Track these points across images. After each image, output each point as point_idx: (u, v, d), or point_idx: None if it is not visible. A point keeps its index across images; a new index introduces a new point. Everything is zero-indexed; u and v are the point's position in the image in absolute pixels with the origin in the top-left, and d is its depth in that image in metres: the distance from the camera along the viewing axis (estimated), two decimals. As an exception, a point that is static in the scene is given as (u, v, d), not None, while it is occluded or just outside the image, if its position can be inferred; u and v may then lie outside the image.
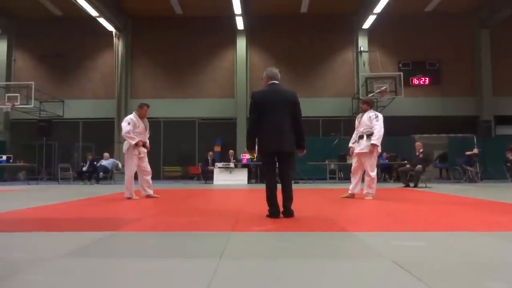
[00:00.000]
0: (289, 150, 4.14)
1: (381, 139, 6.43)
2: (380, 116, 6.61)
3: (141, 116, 6.89)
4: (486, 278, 1.93)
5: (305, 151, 4.34)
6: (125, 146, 6.67)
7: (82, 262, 2.29)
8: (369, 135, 6.47)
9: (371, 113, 6.62)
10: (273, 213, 4.03)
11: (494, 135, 16.93)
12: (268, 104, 4.10)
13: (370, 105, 6.88)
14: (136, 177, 6.77)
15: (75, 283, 1.89)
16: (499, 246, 2.73)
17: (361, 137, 6.65)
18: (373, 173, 6.51)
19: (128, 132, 6.59)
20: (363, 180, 6.80)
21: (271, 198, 4.05)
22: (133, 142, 6.57)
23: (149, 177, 6.90)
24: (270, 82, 4.28)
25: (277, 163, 4.22)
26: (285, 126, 4.08)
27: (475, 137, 15.31)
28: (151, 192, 6.90)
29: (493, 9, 16.70)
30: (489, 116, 17.02)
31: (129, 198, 6.60)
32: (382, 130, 6.45)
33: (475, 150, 13.80)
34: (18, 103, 15.50)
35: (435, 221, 3.93)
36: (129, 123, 6.63)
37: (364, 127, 6.62)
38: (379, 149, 6.56)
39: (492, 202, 5.95)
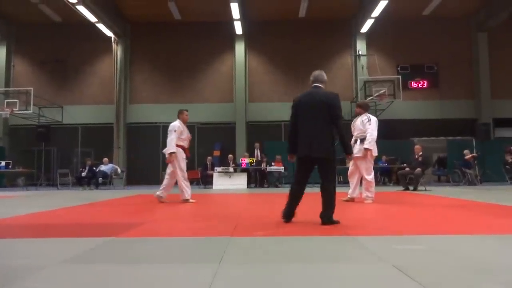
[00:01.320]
0: (320, 155, 3.91)
1: (373, 142, 6.43)
2: (374, 119, 6.61)
3: (184, 122, 7.21)
4: (486, 281, 1.93)
5: (351, 156, 4.21)
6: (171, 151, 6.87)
7: (82, 269, 2.28)
8: (363, 139, 6.49)
9: (364, 117, 6.63)
10: (283, 213, 4.03)
11: (493, 137, 16.97)
12: (302, 108, 4.05)
13: (365, 108, 6.87)
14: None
15: (74, 290, 1.89)
16: (498, 249, 2.73)
17: (355, 141, 6.67)
18: (369, 177, 6.51)
19: (172, 140, 6.85)
20: (361, 183, 6.79)
21: (287, 200, 4.05)
22: (171, 151, 6.78)
23: (173, 182, 7.12)
24: (313, 85, 4.23)
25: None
26: (316, 130, 3.92)
27: (473, 140, 15.35)
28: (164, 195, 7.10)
29: (490, 12, 16.77)
30: (488, 119, 17.07)
31: (186, 200, 6.82)
32: (375, 133, 6.44)
33: (466, 151, 13.80)
34: (17, 109, 15.50)
35: (435, 225, 3.93)
36: (175, 131, 6.91)
37: (358, 131, 6.68)
38: (375, 153, 6.54)
39: (492, 205, 5.95)
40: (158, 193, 7.02)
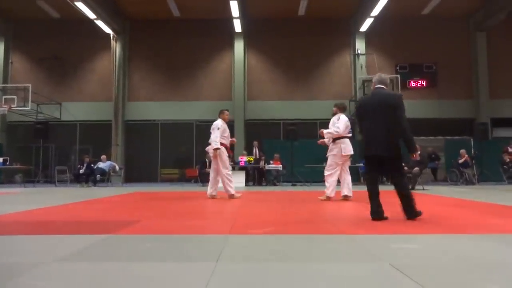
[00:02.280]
0: (387, 154, 4.08)
1: (332, 136, 6.68)
2: (343, 118, 6.72)
3: (225, 121, 7.50)
4: (482, 280, 1.93)
5: (416, 154, 4.28)
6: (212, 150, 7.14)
7: (79, 266, 2.28)
8: (335, 139, 6.70)
9: (335, 117, 6.81)
10: (374, 214, 4.09)
11: (491, 137, 17.00)
12: (366, 109, 4.24)
13: (341, 109, 6.97)
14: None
15: (70, 287, 1.89)
16: (495, 248, 2.74)
17: (329, 140, 6.90)
18: (326, 172, 6.78)
19: (216, 137, 7.09)
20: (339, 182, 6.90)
21: (370, 200, 4.16)
22: (216, 147, 7.02)
23: (219, 178, 7.34)
24: (377, 86, 4.34)
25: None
26: (380, 130, 4.06)
27: (471, 140, 15.37)
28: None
29: (489, 12, 16.78)
30: (486, 119, 17.09)
31: (232, 196, 7.12)
32: (340, 130, 6.58)
33: (462, 151, 13.82)
34: (15, 106, 15.44)
35: (432, 224, 3.93)
36: (218, 128, 7.18)
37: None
38: (344, 152, 6.62)
39: (489, 204, 5.97)
40: (209, 191, 7.26)
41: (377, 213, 4.05)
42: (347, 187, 6.76)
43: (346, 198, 6.70)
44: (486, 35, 17.74)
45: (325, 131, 6.74)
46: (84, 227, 3.83)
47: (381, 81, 4.34)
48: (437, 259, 2.40)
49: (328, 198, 6.63)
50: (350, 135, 6.81)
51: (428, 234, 3.35)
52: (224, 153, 7.18)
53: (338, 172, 6.72)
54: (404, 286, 1.85)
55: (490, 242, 2.96)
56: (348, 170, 6.96)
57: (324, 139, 6.92)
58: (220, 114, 7.60)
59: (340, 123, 6.63)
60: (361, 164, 14.84)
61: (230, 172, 7.26)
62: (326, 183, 6.69)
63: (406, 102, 4.50)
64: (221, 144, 7.12)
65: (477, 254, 2.55)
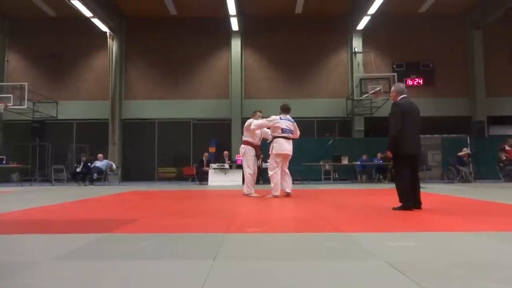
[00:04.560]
0: (419, 153, 5.04)
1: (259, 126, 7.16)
2: (273, 117, 7.12)
3: None
4: (478, 278, 1.94)
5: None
6: (242, 150, 7.45)
7: (75, 265, 2.28)
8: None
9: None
10: (412, 205, 4.69)
11: (487, 135, 17.08)
12: (410, 113, 4.85)
13: (282, 110, 7.35)
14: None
15: (67, 286, 1.89)
16: (491, 246, 2.75)
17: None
18: (270, 172, 6.97)
19: (260, 122, 7.28)
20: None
21: (407, 193, 4.72)
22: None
23: (255, 177, 7.62)
24: (402, 96, 5.02)
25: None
26: (418, 133, 4.91)
27: (468, 138, 15.43)
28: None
29: (485, 10, 16.82)
30: (482, 117, 17.16)
31: (249, 194, 7.30)
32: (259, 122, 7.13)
33: (465, 150, 13.88)
34: (11, 104, 15.36)
35: (428, 222, 3.95)
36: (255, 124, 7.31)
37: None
38: (275, 151, 6.91)
39: (485, 202, 6.00)
40: (245, 190, 7.41)
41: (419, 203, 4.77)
42: (287, 185, 7.07)
43: (288, 195, 6.97)
44: (483, 33, 17.78)
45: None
46: (81, 226, 3.82)
47: (404, 91, 5.07)
48: (433, 256, 2.42)
49: (275, 197, 6.80)
50: (284, 135, 6.98)
51: (424, 232, 3.37)
52: (251, 152, 7.37)
53: (279, 171, 6.94)
54: (400, 283, 1.86)
55: (486, 239, 2.98)
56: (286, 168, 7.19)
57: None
58: (253, 115, 7.57)
59: (270, 120, 7.14)
60: (358, 163, 14.90)
61: (251, 172, 7.39)
62: (271, 183, 6.97)
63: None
64: (248, 142, 7.37)
65: (473, 251, 2.57)
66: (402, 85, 5.18)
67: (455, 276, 1.98)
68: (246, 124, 7.46)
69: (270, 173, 6.97)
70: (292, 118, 7.21)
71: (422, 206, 4.78)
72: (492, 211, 4.90)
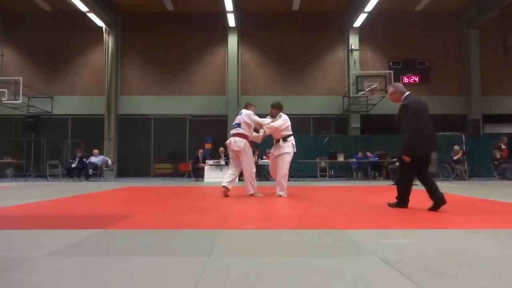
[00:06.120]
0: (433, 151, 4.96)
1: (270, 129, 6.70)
2: (284, 117, 6.83)
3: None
4: (472, 274, 1.96)
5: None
6: (241, 144, 6.53)
7: (70, 261, 2.27)
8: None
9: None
10: (405, 204, 4.74)
11: (482, 133, 17.17)
12: (422, 111, 4.59)
13: (279, 109, 7.03)
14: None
15: (61, 282, 1.88)
16: (484, 243, 2.77)
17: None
18: (286, 172, 6.69)
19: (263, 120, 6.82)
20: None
21: (408, 194, 4.73)
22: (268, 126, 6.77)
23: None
24: (407, 93, 4.77)
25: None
26: (433, 131, 4.75)
27: (463, 136, 15.50)
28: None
29: (481, 9, 16.88)
30: (477, 115, 17.25)
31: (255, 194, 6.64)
32: (274, 125, 6.66)
33: (456, 148, 13.92)
34: (6, 99, 15.27)
35: (423, 219, 3.97)
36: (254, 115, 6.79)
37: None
38: (293, 149, 6.71)
39: (479, 200, 6.03)
40: (251, 190, 6.67)
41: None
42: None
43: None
44: (479, 31, 17.84)
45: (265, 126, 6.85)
46: (76, 222, 3.81)
47: (404, 89, 4.83)
48: (427, 253, 2.43)
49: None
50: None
51: (418, 229, 3.38)
52: (249, 147, 6.65)
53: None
54: (394, 280, 1.87)
55: (481, 237, 3.00)
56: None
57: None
58: (249, 106, 6.88)
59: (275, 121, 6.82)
60: (354, 160, 14.95)
61: (254, 170, 6.84)
62: (284, 184, 6.73)
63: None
64: (246, 136, 6.58)
65: (467, 249, 2.59)
66: (400, 84, 4.96)
67: (449, 273, 1.99)
68: (246, 116, 6.63)
69: (286, 172, 6.64)
70: (288, 115, 7.08)
71: (417, 204, 4.79)
72: (486, 209, 4.93)
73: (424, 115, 4.59)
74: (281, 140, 6.71)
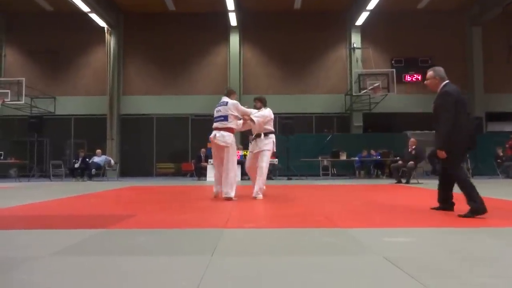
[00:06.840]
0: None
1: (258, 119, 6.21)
2: (268, 110, 6.48)
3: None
4: (475, 273, 1.96)
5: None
6: (229, 139, 5.90)
7: (73, 260, 2.28)
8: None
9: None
10: (484, 209, 3.81)
11: (485, 131, 17.10)
12: (464, 105, 4.14)
13: (263, 102, 6.68)
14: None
15: (65, 281, 1.89)
16: (487, 242, 2.76)
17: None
18: (265, 171, 6.20)
19: (251, 112, 6.42)
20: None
21: (476, 192, 3.93)
22: (255, 119, 6.28)
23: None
24: (447, 81, 4.24)
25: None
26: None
27: (466, 134, 15.43)
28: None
29: (484, 6, 16.81)
30: (481, 113, 17.19)
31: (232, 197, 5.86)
32: (263, 113, 6.29)
33: None
34: (9, 100, 15.32)
35: (425, 217, 3.96)
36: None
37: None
38: (274, 147, 6.27)
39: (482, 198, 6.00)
40: (232, 193, 5.87)
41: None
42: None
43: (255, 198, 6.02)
44: (482, 29, 17.77)
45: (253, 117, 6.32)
46: (79, 222, 3.82)
47: (445, 75, 4.27)
48: (430, 252, 2.43)
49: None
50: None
51: (421, 227, 3.38)
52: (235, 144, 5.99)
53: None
54: (397, 278, 1.87)
55: (483, 235, 2.99)
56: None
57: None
58: (232, 95, 6.38)
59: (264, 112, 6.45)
60: (357, 158, 14.92)
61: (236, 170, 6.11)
62: (263, 183, 6.23)
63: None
64: (233, 130, 5.99)
65: (470, 247, 2.58)
66: (441, 69, 4.29)
67: (451, 271, 1.99)
68: (234, 107, 6.11)
69: (266, 171, 6.14)
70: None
71: (420, 203, 4.76)
72: (489, 207, 4.90)
73: (465, 108, 4.12)
74: (262, 135, 6.23)
